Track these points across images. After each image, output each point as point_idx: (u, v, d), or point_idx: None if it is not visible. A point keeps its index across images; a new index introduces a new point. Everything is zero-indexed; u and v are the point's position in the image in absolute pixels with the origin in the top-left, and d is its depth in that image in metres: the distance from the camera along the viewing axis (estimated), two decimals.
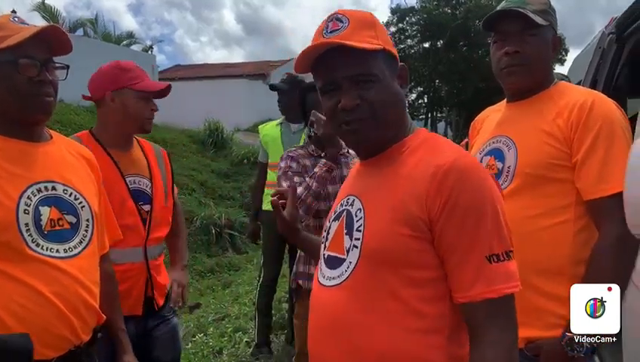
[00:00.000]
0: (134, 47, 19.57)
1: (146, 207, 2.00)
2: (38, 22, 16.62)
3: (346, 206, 1.21)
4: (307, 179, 2.30)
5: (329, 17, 1.15)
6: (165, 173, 2.15)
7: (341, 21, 1.12)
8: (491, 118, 1.80)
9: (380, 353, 1.06)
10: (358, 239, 1.12)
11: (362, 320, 1.08)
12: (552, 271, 1.47)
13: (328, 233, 1.24)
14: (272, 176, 3.80)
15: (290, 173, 2.37)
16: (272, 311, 4.32)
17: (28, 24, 1.44)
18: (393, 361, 1.06)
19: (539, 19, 1.54)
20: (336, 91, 1.13)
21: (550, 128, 1.51)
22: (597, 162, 1.43)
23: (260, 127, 4.10)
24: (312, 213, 2.32)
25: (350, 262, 1.12)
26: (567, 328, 1.41)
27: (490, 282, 1.01)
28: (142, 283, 1.97)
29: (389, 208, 1.08)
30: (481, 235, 1.02)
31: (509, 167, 1.57)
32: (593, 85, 2.67)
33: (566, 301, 1.42)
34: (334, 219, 1.23)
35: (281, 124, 3.90)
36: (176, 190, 2.28)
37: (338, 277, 1.14)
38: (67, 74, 1.51)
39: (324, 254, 1.23)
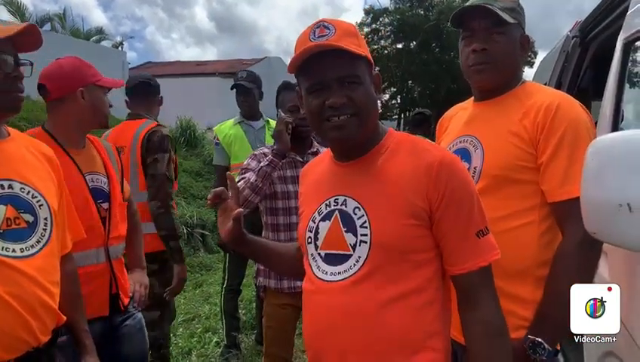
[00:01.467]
0: (104, 43, 19.24)
1: (105, 205, 1.97)
2: (4, 16, 16.18)
3: (336, 206, 1.28)
4: (248, 173, 2.28)
5: (315, 24, 1.24)
6: (117, 168, 2.13)
7: (328, 28, 1.22)
8: (459, 116, 1.78)
9: (396, 333, 1.19)
10: (366, 235, 1.22)
11: (377, 306, 1.19)
12: (515, 273, 1.46)
13: (317, 233, 1.30)
14: (236, 177, 3.75)
15: (244, 169, 2.35)
16: (242, 311, 4.31)
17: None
18: (407, 338, 1.19)
19: (507, 17, 1.52)
20: (324, 91, 1.22)
21: (517, 129, 1.49)
22: (562, 164, 1.42)
23: (215, 128, 3.92)
24: (251, 206, 2.27)
25: (359, 257, 1.22)
26: (530, 331, 1.41)
27: (482, 253, 1.21)
28: (106, 283, 1.95)
29: (390, 202, 1.21)
30: (471, 217, 1.21)
31: (475, 168, 1.55)
32: (558, 87, 2.73)
33: (529, 303, 1.44)
34: (322, 220, 1.30)
35: (240, 123, 3.82)
36: (128, 188, 2.25)
37: (345, 271, 1.23)
38: (32, 70, 1.49)
39: (318, 253, 1.29)
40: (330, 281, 1.24)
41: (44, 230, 1.43)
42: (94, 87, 1.97)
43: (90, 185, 1.92)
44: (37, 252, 1.39)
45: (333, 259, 1.25)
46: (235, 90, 3.83)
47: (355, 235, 1.23)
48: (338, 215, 1.27)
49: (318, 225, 1.30)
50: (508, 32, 1.55)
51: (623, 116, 1.72)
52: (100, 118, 2.02)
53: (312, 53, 1.20)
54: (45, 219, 1.44)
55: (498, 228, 1.46)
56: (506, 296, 1.44)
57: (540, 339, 1.37)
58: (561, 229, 1.45)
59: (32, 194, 1.43)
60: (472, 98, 1.74)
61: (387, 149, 1.28)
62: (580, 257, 1.38)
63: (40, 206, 1.44)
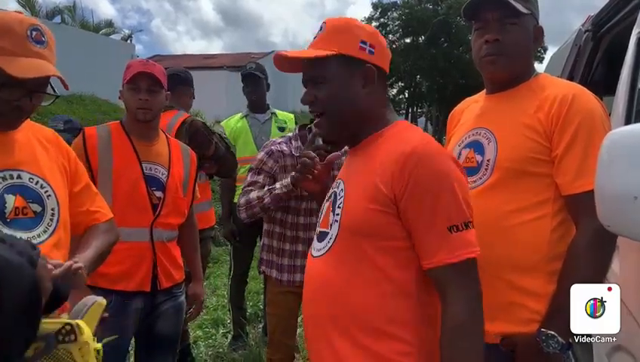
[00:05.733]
0: (113, 37, 19.28)
1: (158, 193, 2.14)
2: (14, 7, 16.24)
3: (335, 188, 1.38)
4: (264, 189, 2.27)
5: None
6: (189, 171, 2.31)
7: (321, 28, 1.33)
8: (470, 109, 1.75)
9: (359, 313, 1.22)
10: (338, 214, 1.29)
11: (342, 284, 1.24)
12: (528, 266, 1.45)
13: (322, 212, 1.42)
14: (240, 170, 3.72)
15: (260, 168, 2.35)
16: (249, 303, 4.33)
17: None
18: (371, 321, 1.21)
19: (520, 7, 1.50)
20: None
21: (531, 121, 1.48)
22: (576, 157, 1.40)
23: (223, 122, 3.97)
24: (255, 218, 2.36)
25: (332, 235, 1.29)
26: (543, 324, 1.40)
27: (452, 249, 1.16)
28: (148, 261, 2.11)
29: (362, 187, 1.25)
30: (439, 209, 1.17)
31: (488, 160, 1.54)
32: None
33: (542, 296, 1.43)
34: (326, 200, 1.41)
35: (246, 116, 3.85)
36: (197, 190, 2.42)
37: (323, 248, 1.32)
38: (53, 101, 1.45)
39: (317, 230, 1.40)
40: (314, 257, 1.35)
41: (51, 220, 1.44)
42: (126, 87, 2.16)
43: (146, 172, 2.12)
44: (42, 242, 1.39)
45: (320, 236, 1.35)
46: (243, 80, 3.84)
47: (334, 215, 1.31)
48: (332, 196, 1.37)
49: (324, 205, 1.41)
50: (521, 22, 1.53)
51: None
52: (130, 113, 2.16)
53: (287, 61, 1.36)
54: (52, 209, 1.45)
55: (511, 221, 1.47)
56: (518, 290, 1.46)
57: (552, 332, 1.36)
58: (576, 222, 1.43)
59: (41, 185, 1.43)
60: (484, 91, 1.72)
61: (382, 137, 1.31)
62: (594, 251, 1.36)
63: (48, 196, 1.44)
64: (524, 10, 1.51)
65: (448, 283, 1.17)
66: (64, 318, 1.09)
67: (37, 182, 1.43)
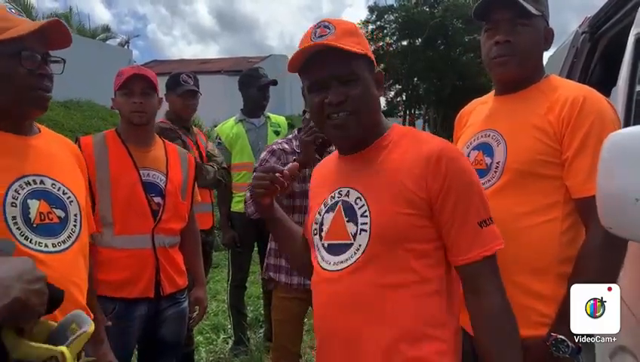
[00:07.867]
0: (109, 42, 19.28)
1: (157, 199, 2.14)
2: None
3: (339, 198, 1.32)
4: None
5: (317, 24, 1.28)
6: (187, 175, 2.32)
7: (328, 28, 1.26)
8: (478, 110, 1.74)
9: (397, 321, 1.20)
10: (366, 223, 1.24)
11: (379, 292, 1.21)
12: (537, 269, 1.45)
13: (322, 224, 1.34)
14: (236, 177, 3.72)
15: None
16: (249, 308, 4.33)
17: (24, 16, 1.43)
18: (410, 326, 1.20)
19: (531, 9, 1.50)
20: (324, 89, 1.26)
21: (541, 123, 1.47)
22: (587, 160, 1.39)
23: (217, 128, 3.94)
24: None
25: (360, 245, 1.24)
26: (553, 328, 1.40)
27: (485, 243, 1.21)
28: (151, 268, 2.11)
29: (390, 192, 1.23)
30: (472, 206, 1.21)
31: (497, 163, 1.53)
32: None
33: (551, 300, 1.43)
34: (327, 211, 1.33)
35: (242, 121, 3.83)
36: (198, 193, 2.42)
37: (347, 260, 1.25)
38: (63, 68, 1.47)
39: (322, 244, 1.33)
40: (333, 271, 1.27)
41: (74, 226, 1.44)
42: (118, 93, 2.19)
43: (143, 178, 2.12)
44: (68, 247, 1.39)
45: (335, 249, 1.29)
46: (262, 89, 3.80)
47: (356, 224, 1.26)
48: (341, 205, 1.30)
49: (323, 217, 1.34)
50: (532, 24, 1.53)
51: None
52: (125, 118, 2.18)
53: (310, 52, 1.25)
54: (75, 215, 1.45)
55: (521, 224, 1.47)
56: (527, 293, 1.45)
57: (562, 337, 1.36)
58: (586, 226, 1.43)
59: (63, 191, 1.44)
60: (493, 92, 1.71)
61: (390, 142, 1.30)
62: (604, 254, 1.36)
63: (70, 202, 1.44)
64: (536, 12, 1.51)
65: (482, 276, 1.22)
66: (51, 346, 1.08)
67: (59, 188, 1.43)
